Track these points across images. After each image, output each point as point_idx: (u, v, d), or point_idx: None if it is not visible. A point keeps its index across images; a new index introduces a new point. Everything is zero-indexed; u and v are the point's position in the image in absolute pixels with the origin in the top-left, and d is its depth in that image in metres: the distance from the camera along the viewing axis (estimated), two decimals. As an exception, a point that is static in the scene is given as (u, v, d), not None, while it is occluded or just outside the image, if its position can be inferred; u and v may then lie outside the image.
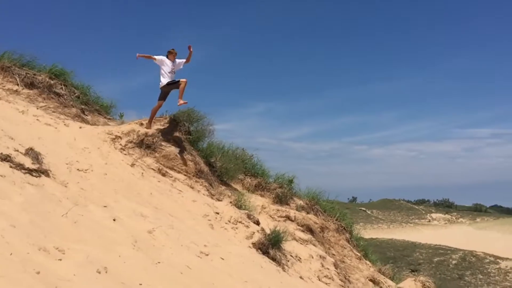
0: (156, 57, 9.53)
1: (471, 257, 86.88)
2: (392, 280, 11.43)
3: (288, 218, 9.78)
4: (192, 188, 8.44)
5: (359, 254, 10.81)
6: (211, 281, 5.34)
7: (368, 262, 11.08)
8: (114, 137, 8.56)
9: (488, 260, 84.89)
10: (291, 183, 11.49)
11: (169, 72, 9.43)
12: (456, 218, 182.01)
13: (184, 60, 9.75)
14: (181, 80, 9.38)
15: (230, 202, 8.53)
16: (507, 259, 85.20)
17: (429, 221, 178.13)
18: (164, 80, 9.31)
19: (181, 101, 9.28)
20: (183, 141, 9.16)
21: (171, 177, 8.41)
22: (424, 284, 11.30)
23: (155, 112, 9.25)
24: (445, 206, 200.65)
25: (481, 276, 77.81)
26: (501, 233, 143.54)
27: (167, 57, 9.62)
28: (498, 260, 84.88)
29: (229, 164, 10.11)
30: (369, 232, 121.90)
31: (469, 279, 77.15)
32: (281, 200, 10.61)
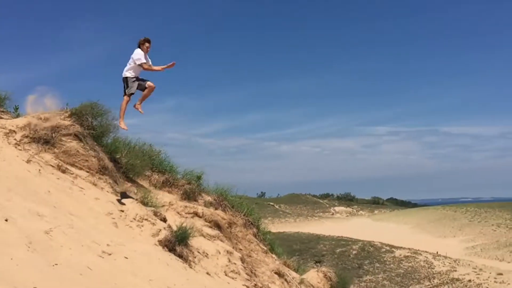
0: (144, 62, 8.68)
1: (370, 247, 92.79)
2: (296, 272, 11.85)
3: (196, 214, 9.74)
4: (95, 185, 8.09)
5: (265, 248, 11.06)
6: (114, 281, 5.18)
7: (274, 255, 11.38)
8: (7, 131, 7.95)
9: (384, 250, 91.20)
10: (199, 179, 11.45)
11: (139, 66, 8.62)
12: (356, 210, 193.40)
13: (151, 63, 8.87)
14: (148, 83, 8.72)
15: (136, 200, 8.30)
16: (401, 248, 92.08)
17: (333, 214, 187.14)
18: (131, 73, 8.58)
19: (140, 109, 8.79)
20: (85, 136, 8.74)
21: (72, 174, 7.99)
22: (326, 275, 11.86)
23: (124, 108, 8.67)
24: (347, 199, 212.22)
25: (378, 265, 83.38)
26: (396, 224, 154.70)
27: (140, 46, 8.75)
28: (393, 249, 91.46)
29: (135, 160, 9.82)
30: (276, 226, 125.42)
31: (368, 267, 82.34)
32: (189, 196, 10.53)
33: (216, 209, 10.66)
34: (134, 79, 8.73)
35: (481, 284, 70.44)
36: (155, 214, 8.08)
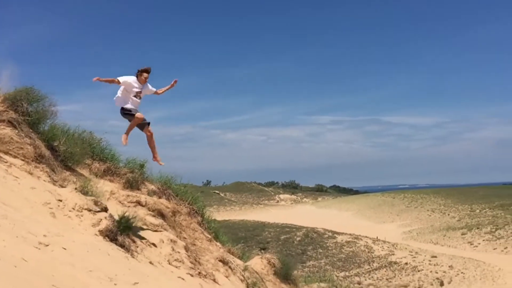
0: (120, 78, 8.15)
1: (313, 233, 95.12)
2: (241, 259, 11.96)
3: (139, 203, 9.57)
4: (31, 174, 7.75)
5: (210, 236, 11.06)
6: (51, 272, 5.00)
7: (218, 243, 11.41)
8: None
9: (327, 235, 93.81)
10: (142, 168, 11.23)
11: (133, 96, 8.17)
12: (301, 198, 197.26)
13: (155, 90, 8.54)
14: (137, 115, 8.29)
15: (75, 189, 8.03)
16: (343, 233, 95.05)
17: (278, 201, 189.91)
18: (121, 103, 8.17)
19: (160, 162, 8.60)
20: (20, 123, 8.33)
21: (6, 162, 7.61)
22: (270, 261, 12.05)
23: (133, 126, 8.35)
24: (292, 187, 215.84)
25: (321, 250, 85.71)
26: (338, 211, 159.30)
27: (137, 76, 8.34)
28: (335, 235, 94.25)
29: (74, 148, 9.48)
30: (222, 214, 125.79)
31: (311, 253, 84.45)
32: (132, 185, 10.32)
33: (159, 197, 10.52)
34: (124, 111, 8.38)
35: (417, 266, 74.17)
36: (96, 203, 7.86)
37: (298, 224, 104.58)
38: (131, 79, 8.33)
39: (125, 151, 10.91)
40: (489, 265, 72.42)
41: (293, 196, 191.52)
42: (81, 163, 9.80)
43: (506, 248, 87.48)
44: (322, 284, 13.79)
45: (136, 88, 8.34)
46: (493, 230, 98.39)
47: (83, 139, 10.30)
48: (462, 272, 70.06)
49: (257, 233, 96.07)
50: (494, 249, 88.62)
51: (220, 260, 10.05)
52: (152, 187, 10.92)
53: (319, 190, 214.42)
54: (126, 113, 8.38)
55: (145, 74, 8.43)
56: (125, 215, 7.87)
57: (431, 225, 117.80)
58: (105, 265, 6.02)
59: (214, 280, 8.81)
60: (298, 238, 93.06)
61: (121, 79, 8.29)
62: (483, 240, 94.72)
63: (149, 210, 9.52)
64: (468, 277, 68.36)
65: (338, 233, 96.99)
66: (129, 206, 9.17)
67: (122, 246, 7.28)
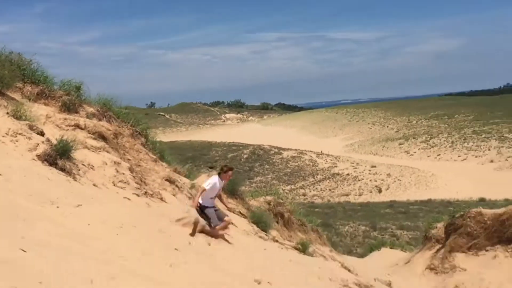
0: (205, 186, 7.74)
1: (260, 151, 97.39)
2: (187, 178, 12.07)
3: (77, 126, 9.25)
4: (-45, 99, 7.24)
5: (154, 157, 11.00)
6: (-13, 199, 4.84)
7: (164, 163, 11.40)
8: None
9: (273, 152, 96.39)
10: (79, 90, 10.73)
11: (211, 198, 7.84)
12: (247, 116, 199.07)
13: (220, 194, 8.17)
14: (227, 219, 7.88)
15: (7, 113, 7.62)
16: (288, 149, 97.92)
17: (224, 121, 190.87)
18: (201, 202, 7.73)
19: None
20: None
21: None
22: (216, 178, 12.22)
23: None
24: (238, 106, 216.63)
25: (267, 166, 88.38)
26: (283, 127, 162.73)
27: (221, 174, 7.96)
28: (281, 151, 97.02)
29: (2, 71, 8.86)
30: (168, 136, 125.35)
31: (258, 169, 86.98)
32: (69, 108, 9.89)
33: (100, 120, 10.20)
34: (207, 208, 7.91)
35: (357, 176, 78.52)
36: (31, 128, 7.53)
37: (245, 142, 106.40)
38: (214, 180, 7.96)
39: (60, 73, 10.35)
40: (423, 172, 77.85)
41: (239, 115, 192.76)
42: (12, 87, 9.22)
43: (439, 155, 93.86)
44: (268, 197, 14.29)
45: (218, 188, 8.05)
46: (428, 139, 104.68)
47: (11, 60, 9.62)
48: (398, 179, 75.04)
49: (205, 153, 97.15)
50: (428, 156, 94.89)
51: (166, 180, 10.09)
52: (91, 109, 10.54)
53: (265, 108, 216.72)
54: (203, 210, 7.95)
55: (230, 172, 8.21)
56: (64, 138, 7.62)
57: (372, 137, 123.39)
58: (45, 189, 5.89)
59: (161, 198, 8.89)
60: (245, 156, 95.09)
61: (207, 186, 7.88)
62: (419, 148, 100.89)
63: (89, 133, 9.25)
64: (404, 183, 73.43)
65: (284, 149, 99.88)
66: (67, 130, 8.86)
67: (62, 169, 7.12)
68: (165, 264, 5.09)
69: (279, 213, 13.77)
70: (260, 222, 10.94)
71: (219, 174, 8.04)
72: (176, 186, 10.26)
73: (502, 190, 53.91)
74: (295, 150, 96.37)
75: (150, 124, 14.27)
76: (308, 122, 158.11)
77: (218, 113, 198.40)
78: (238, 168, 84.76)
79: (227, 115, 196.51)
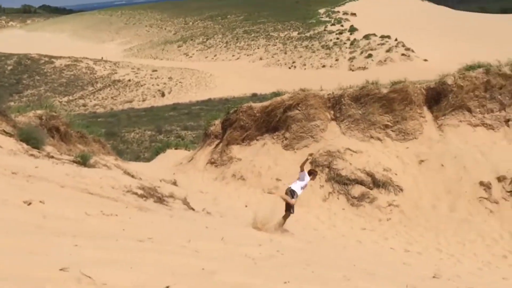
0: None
1: (27, 60, 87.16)
2: None
3: None
4: None
5: None
6: None
7: None
8: None
9: (43, 61, 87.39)
10: None
11: (301, 188, 9.18)
12: (6, 22, 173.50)
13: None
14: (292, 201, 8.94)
15: None
16: (61, 57, 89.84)
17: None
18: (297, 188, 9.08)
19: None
20: None
21: None
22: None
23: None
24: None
25: (38, 77, 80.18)
26: (51, 33, 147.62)
27: (311, 174, 9.39)
28: (52, 59, 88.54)
29: None
30: None
31: (27, 82, 78.37)
32: None
33: None
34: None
35: (139, 81, 77.50)
36: None
37: (7, 51, 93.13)
38: (307, 180, 9.31)
39: None
40: (202, 73, 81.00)
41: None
42: None
43: (215, 55, 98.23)
44: (39, 111, 12.96)
45: (304, 183, 9.30)
46: (205, 40, 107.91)
47: None
48: (180, 82, 76.72)
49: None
50: (205, 57, 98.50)
51: None
52: None
53: (27, 12, 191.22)
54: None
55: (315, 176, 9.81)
56: None
57: (150, 40, 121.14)
58: None
59: None
60: (9, 67, 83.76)
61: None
62: (197, 50, 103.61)
63: None
64: (185, 85, 75.55)
65: (56, 57, 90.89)
66: None
67: None
68: None
69: (54, 127, 12.74)
70: (30, 139, 9.93)
71: (310, 173, 9.51)
72: None
73: (270, 85, 60.12)
74: (69, 58, 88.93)
75: None
76: (80, 26, 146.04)
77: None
78: (2, 82, 74.98)
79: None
